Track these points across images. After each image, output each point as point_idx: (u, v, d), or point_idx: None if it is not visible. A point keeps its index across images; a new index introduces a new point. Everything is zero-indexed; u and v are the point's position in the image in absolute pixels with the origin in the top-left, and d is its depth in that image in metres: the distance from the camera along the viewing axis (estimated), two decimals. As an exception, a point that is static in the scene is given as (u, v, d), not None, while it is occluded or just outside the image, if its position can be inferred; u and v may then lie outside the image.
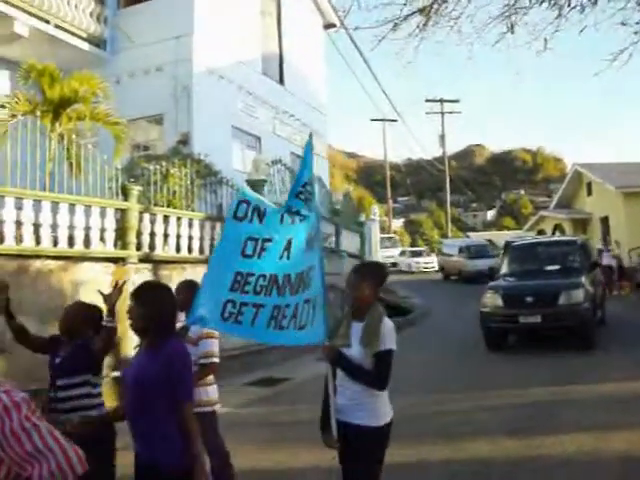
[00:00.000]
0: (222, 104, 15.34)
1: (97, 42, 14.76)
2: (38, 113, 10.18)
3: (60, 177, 9.59)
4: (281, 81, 19.14)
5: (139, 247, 9.96)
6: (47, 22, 13.29)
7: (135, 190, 10.02)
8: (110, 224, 9.71)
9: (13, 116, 10.00)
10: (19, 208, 8.75)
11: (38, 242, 8.81)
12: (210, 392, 4.80)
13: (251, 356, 11.32)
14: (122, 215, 9.93)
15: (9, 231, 8.58)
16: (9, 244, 8.54)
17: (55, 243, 8.93)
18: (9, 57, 13.30)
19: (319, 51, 22.16)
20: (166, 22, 14.72)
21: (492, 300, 11.71)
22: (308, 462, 6.13)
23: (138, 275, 9.55)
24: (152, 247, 10.32)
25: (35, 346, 4.56)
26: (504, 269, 13.30)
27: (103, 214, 9.61)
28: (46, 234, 8.89)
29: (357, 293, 3.67)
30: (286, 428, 7.60)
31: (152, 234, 10.36)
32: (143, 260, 9.98)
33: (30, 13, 12.87)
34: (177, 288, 4.69)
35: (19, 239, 8.67)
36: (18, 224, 8.71)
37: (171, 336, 3.20)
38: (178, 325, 4.46)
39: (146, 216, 10.19)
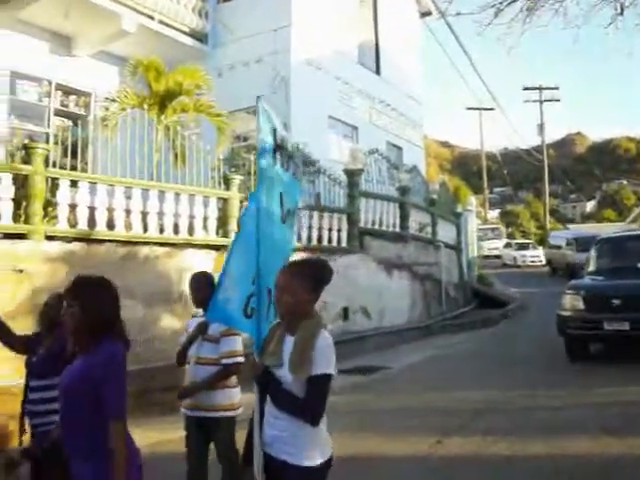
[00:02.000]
0: (319, 94, 15.44)
1: (199, 36, 15.18)
2: (145, 106, 10.60)
3: (166, 167, 9.95)
4: (377, 70, 19.05)
5: (237, 236, 10.19)
6: (152, 18, 13.77)
7: (236, 180, 10.30)
8: (212, 212, 10.02)
9: (123, 109, 10.48)
10: (128, 197, 9.17)
11: (146, 229, 9.22)
12: (233, 395, 4.36)
13: (346, 344, 11.41)
14: (224, 204, 10.22)
15: (119, 219, 9.02)
16: (119, 231, 8.98)
17: (161, 230, 9.31)
18: (117, 53, 13.90)
19: (415, 40, 21.90)
20: (264, 14, 14.95)
21: (572, 302, 10.13)
22: (402, 450, 6.11)
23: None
24: None
25: (17, 347, 4.22)
26: (591, 266, 11.59)
27: (206, 203, 9.93)
28: (153, 222, 9.28)
29: (286, 298, 2.86)
30: (380, 416, 7.58)
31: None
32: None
33: (136, 10, 13.37)
34: (192, 280, 4.47)
35: (128, 226, 9.09)
36: (127, 212, 9.15)
37: (105, 338, 2.78)
38: (195, 322, 4.38)
39: (245, 204, 10.41)
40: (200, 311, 4.40)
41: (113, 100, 10.67)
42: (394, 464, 5.79)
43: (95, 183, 8.86)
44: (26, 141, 9.31)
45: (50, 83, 12.56)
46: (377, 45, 19.15)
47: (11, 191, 7.91)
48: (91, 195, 8.75)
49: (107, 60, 13.78)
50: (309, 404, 2.75)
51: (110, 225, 8.91)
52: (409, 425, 7.02)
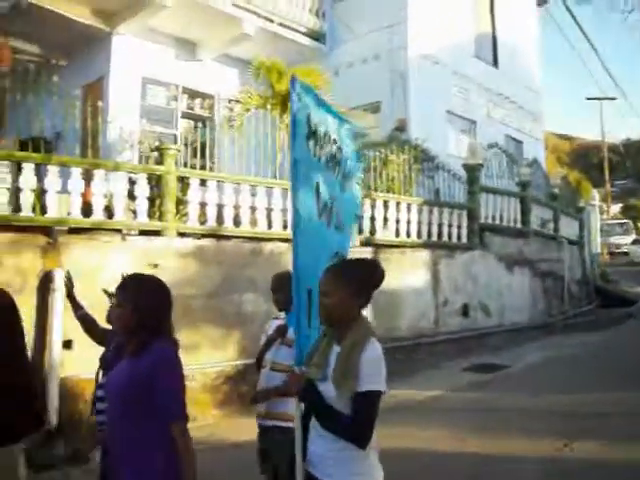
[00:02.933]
0: (436, 89, 15.26)
1: (316, 36, 15.35)
2: (268, 106, 10.89)
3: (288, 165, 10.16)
4: (495, 63, 18.56)
5: (360, 231, 10.27)
6: (271, 21, 14.08)
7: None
8: (334, 210, 10.13)
9: (247, 110, 10.80)
10: (253, 195, 9.45)
11: (270, 226, 9.46)
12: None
13: (466, 341, 11.22)
14: (344, 201, 10.31)
15: (245, 215, 9.31)
16: (245, 227, 9.27)
17: (285, 227, 9.51)
18: (238, 56, 14.31)
19: (533, 29, 21.13)
20: (380, 11, 14.92)
21: None
22: (523, 450, 5.95)
23: (360, 258, 9.90)
24: (373, 231, 10.62)
25: (100, 337, 4.23)
26: None
27: (328, 200, 10.06)
28: (277, 218, 9.52)
29: (327, 302, 2.59)
30: (502, 416, 7.44)
31: (372, 218, 10.66)
32: (364, 244, 10.29)
33: (256, 14, 13.72)
34: (273, 280, 4.21)
35: (254, 223, 9.37)
36: (252, 209, 9.42)
37: (156, 339, 2.66)
38: (275, 324, 4.09)
39: (367, 201, 10.48)
40: (282, 313, 4.14)
41: (237, 101, 11.02)
42: (517, 464, 5.68)
43: (222, 182, 9.20)
44: (157, 143, 9.81)
45: (177, 87, 13.14)
46: (494, 37, 18.64)
47: (146, 190, 8.37)
48: (219, 193, 9.09)
49: (229, 63, 14.23)
50: (355, 425, 2.42)
51: (237, 222, 9.23)
52: (532, 426, 6.84)
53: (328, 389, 2.50)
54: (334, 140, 3.35)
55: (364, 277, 2.62)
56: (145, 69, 12.47)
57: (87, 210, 7.89)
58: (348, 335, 2.54)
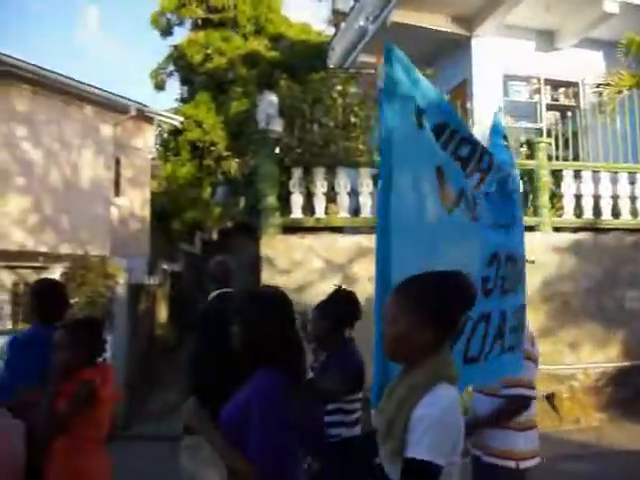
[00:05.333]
0: None
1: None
2: (643, 85, 10.01)
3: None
4: None
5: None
6: (636, -6, 12.92)
7: None
8: None
9: (619, 92, 10.07)
10: (632, 183, 8.78)
11: (655, 216, 8.70)
12: (515, 440, 3.19)
13: None
14: None
15: (624, 206, 8.69)
16: (625, 219, 8.66)
17: (672, 215, 8.64)
18: (599, 38, 13.44)
19: None
20: None
21: None
22: None
23: None
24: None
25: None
26: None
27: None
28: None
29: (391, 332, 1.94)
30: None
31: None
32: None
33: (618, -11, 12.72)
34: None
35: (634, 213, 8.70)
36: (632, 199, 8.76)
37: (268, 366, 2.24)
38: None
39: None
40: None
41: (607, 85, 10.34)
42: None
43: (597, 171, 8.75)
44: (523, 138, 9.72)
45: (538, 79, 12.84)
46: None
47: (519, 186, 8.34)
48: (594, 184, 8.64)
49: (590, 46, 13.42)
50: None
51: (615, 213, 8.67)
52: None
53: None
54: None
55: (433, 300, 1.91)
56: (505, 66, 12.46)
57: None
58: (411, 376, 1.91)
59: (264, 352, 2.27)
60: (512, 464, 3.15)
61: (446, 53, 12.78)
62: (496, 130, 3.41)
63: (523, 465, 3.16)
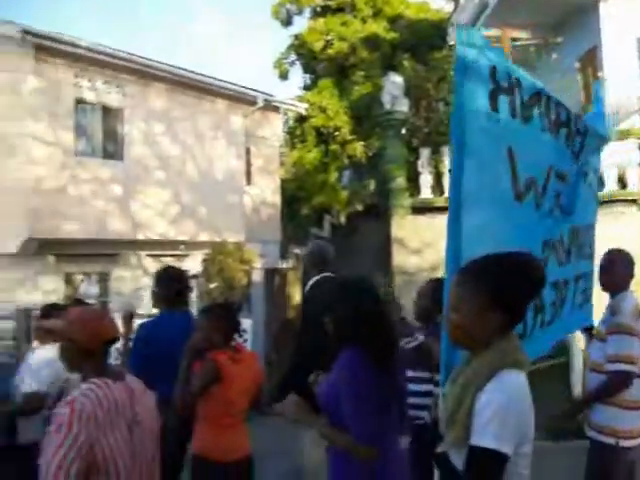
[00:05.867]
0: None
1: None
2: None
3: None
4: None
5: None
6: None
7: None
8: None
9: None
10: None
11: None
12: (621, 418, 3.16)
13: None
14: None
15: None
16: None
17: None
18: None
19: None
20: None
21: None
22: None
23: None
24: None
25: None
26: None
27: None
28: None
29: (455, 319, 1.87)
30: None
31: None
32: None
33: None
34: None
35: None
36: None
37: (351, 344, 2.47)
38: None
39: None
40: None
41: None
42: None
43: None
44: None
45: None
46: None
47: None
48: None
49: None
50: None
51: None
52: None
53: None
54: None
55: (507, 280, 1.83)
56: (639, 29, 11.72)
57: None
58: (476, 361, 1.86)
59: (345, 332, 2.48)
60: (612, 441, 3.15)
61: (572, 20, 12.19)
62: (596, 98, 3.52)
63: (623, 443, 3.14)
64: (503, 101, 2.38)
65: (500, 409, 1.70)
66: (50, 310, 4.03)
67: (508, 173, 2.41)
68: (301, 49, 21.31)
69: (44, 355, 3.75)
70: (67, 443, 2.03)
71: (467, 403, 1.77)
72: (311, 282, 4.29)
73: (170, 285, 4.07)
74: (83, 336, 2.26)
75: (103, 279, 12.12)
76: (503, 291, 1.82)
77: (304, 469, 4.61)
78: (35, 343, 4.18)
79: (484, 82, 2.31)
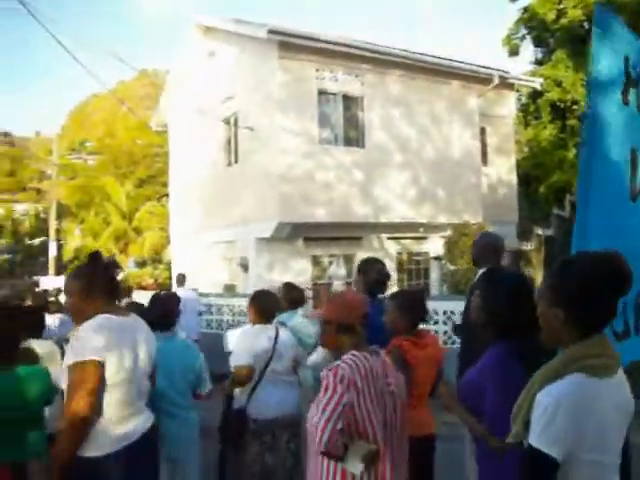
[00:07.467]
0: None
1: None
2: None
3: None
4: None
5: None
6: None
7: None
8: None
9: None
10: None
11: None
12: None
13: None
14: None
15: None
16: None
17: None
18: None
19: None
20: None
21: None
22: None
23: None
24: None
25: None
26: None
27: None
28: None
29: (539, 310, 1.89)
30: None
31: None
32: None
33: None
34: None
35: None
36: None
37: (502, 338, 2.51)
38: None
39: None
40: None
41: None
42: None
43: None
44: None
45: None
46: None
47: None
48: None
49: None
50: None
51: None
52: None
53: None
54: None
55: (585, 282, 1.78)
56: None
57: None
58: (551, 361, 1.84)
59: (496, 326, 2.53)
60: None
61: None
62: None
63: None
64: (632, 94, 2.40)
65: (550, 411, 1.69)
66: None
67: (628, 173, 2.43)
68: (531, 22, 20.33)
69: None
70: (332, 402, 2.35)
71: (528, 401, 1.81)
72: (478, 274, 4.13)
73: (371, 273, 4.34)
74: (343, 314, 2.57)
75: (348, 261, 12.69)
76: (576, 292, 1.79)
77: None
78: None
79: (620, 74, 2.34)
